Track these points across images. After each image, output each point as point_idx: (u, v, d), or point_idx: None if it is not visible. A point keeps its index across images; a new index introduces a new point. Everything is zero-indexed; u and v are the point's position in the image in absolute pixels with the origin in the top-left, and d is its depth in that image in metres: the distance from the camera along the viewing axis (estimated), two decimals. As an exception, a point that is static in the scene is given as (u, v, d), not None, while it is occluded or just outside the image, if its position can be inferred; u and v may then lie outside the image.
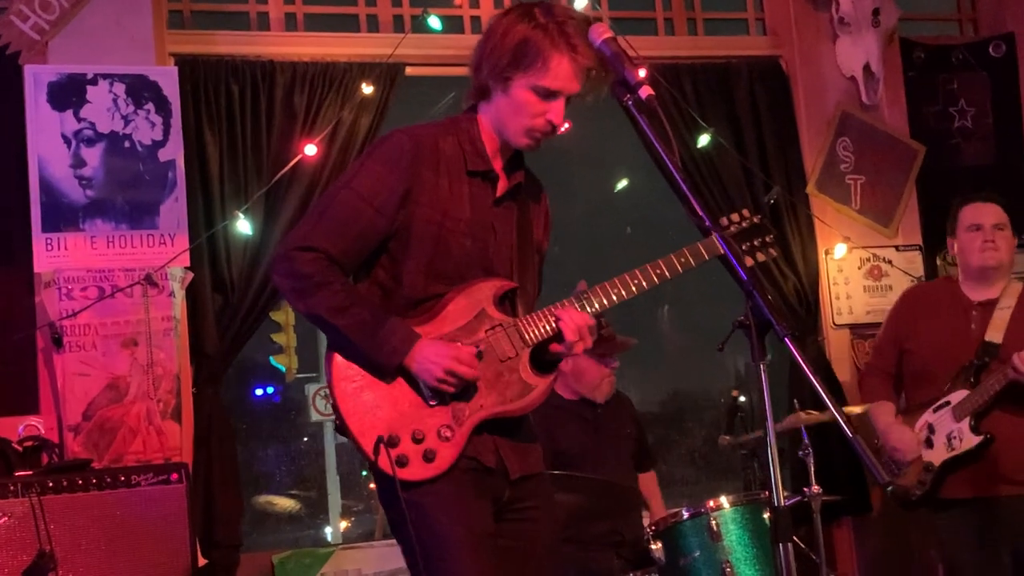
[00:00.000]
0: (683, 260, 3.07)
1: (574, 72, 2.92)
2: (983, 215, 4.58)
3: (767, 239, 3.27)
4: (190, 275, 5.25)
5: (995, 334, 4.45)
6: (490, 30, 3.00)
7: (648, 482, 5.38)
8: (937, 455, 4.46)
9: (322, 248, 2.89)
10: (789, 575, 2.41)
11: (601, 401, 5.05)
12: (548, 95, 2.93)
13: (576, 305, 3.00)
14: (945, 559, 4.67)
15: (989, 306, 4.54)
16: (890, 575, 6.01)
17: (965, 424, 4.39)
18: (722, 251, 2.95)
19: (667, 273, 3.06)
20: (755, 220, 3.28)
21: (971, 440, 4.37)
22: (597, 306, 3.01)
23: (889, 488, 4.67)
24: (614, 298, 3.02)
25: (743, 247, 3.24)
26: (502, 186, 3.07)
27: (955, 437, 4.40)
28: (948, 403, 4.48)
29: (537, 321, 3.00)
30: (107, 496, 4.48)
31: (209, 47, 5.58)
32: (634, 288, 3.04)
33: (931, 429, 4.50)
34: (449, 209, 2.96)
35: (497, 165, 3.06)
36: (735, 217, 3.28)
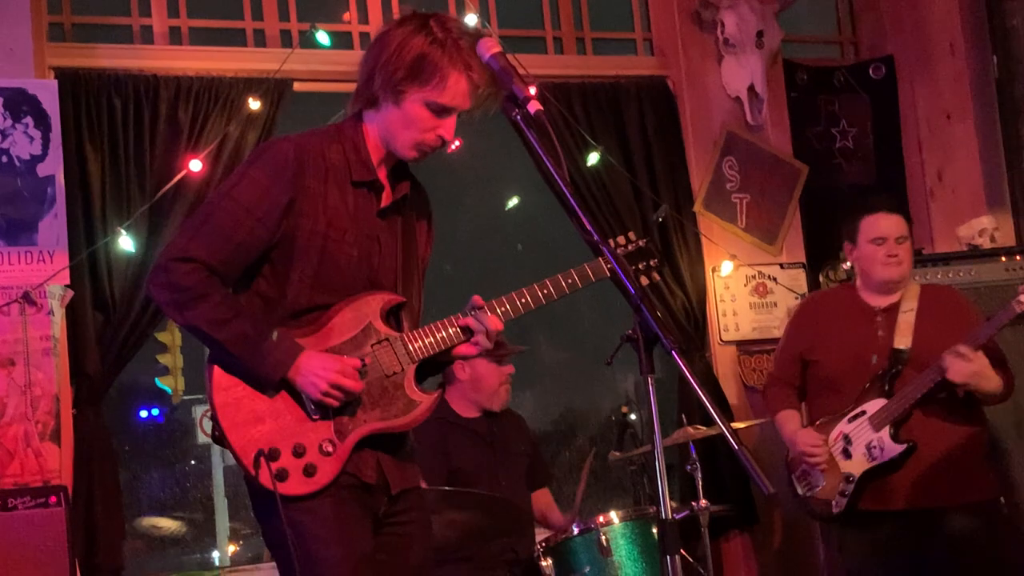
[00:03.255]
0: (570, 281, 3.08)
1: (469, 90, 2.92)
2: (888, 228, 4.52)
3: (652, 262, 3.28)
4: (70, 293, 5.12)
5: (903, 340, 4.41)
6: (385, 40, 2.95)
7: (544, 497, 5.38)
8: (857, 466, 4.39)
9: (201, 259, 2.83)
10: (677, 588, 2.42)
11: (498, 409, 5.04)
12: (442, 111, 2.92)
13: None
14: (852, 572, 4.57)
15: (892, 311, 4.50)
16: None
17: (885, 433, 4.34)
18: (608, 275, 2.97)
19: (554, 293, 3.08)
20: (640, 243, 3.28)
21: (893, 449, 4.32)
22: None
23: (807, 504, 4.59)
24: (500, 315, 3.03)
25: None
26: (386, 197, 3.04)
27: (875, 447, 4.35)
28: (864, 412, 4.41)
29: (423, 336, 2.99)
30: (-18, 521, 4.36)
31: (91, 60, 5.46)
32: (520, 307, 3.05)
33: (847, 440, 4.43)
34: (334, 219, 2.92)
35: (382, 174, 3.03)
36: (621, 240, 3.29)
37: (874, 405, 4.40)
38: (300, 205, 2.89)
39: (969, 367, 4.23)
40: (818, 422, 4.59)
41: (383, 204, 3.03)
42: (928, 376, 4.30)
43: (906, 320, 4.46)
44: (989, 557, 4.35)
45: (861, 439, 4.40)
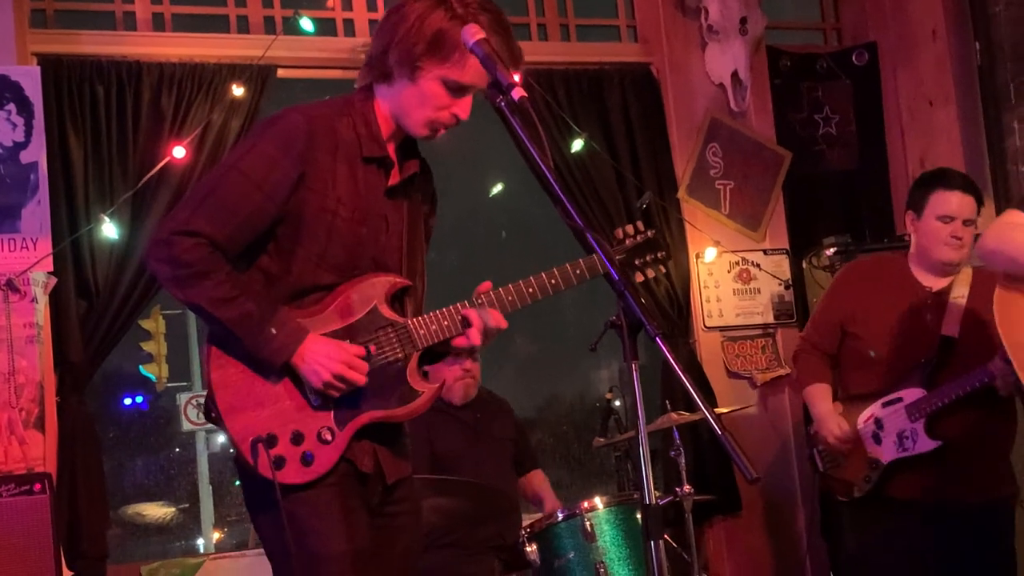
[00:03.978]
0: (579, 272, 3.01)
1: None
2: (960, 207, 4.27)
3: (660, 255, 3.21)
4: (53, 280, 5.11)
5: (951, 328, 4.23)
6: (403, 13, 2.84)
7: (536, 479, 5.40)
8: (886, 453, 4.27)
9: (205, 233, 2.74)
10: (661, 573, 2.43)
11: (457, 403, 5.06)
12: (459, 90, 2.85)
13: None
14: (852, 553, 4.52)
15: (943, 295, 4.30)
16: (760, 574, 6.10)
17: (920, 426, 4.20)
18: (618, 264, 2.93)
19: (562, 284, 3.01)
20: (649, 235, 3.21)
21: (925, 444, 4.19)
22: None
23: (827, 480, 4.49)
24: (507, 306, 2.97)
25: (636, 263, 3.18)
26: (395, 175, 2.96)
27: (907, 437, 4.22)
28: (900, 400, 4.26)
29: (428, 324, 2.92)
30: (-33, 508, 4.35)
31: (73, 47, 5.44)
32: (528, 296, 2.98)
33: (879, 424, 4.30)
34: (344, 196, 2.84)
35: (391, 151, 2.95)
36: (630, 230, 3.21)
37: (912, 394, 4.24)
38: (310, 180, 2.80)
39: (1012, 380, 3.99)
40: (851, 395, 4.46)
41: (391, 182, 2.95)
42: (975, 377, 4.10)
43: (956, 306, 4.26)
44: (1006, 553, 4.30)
45: (893, 427, 4.27)
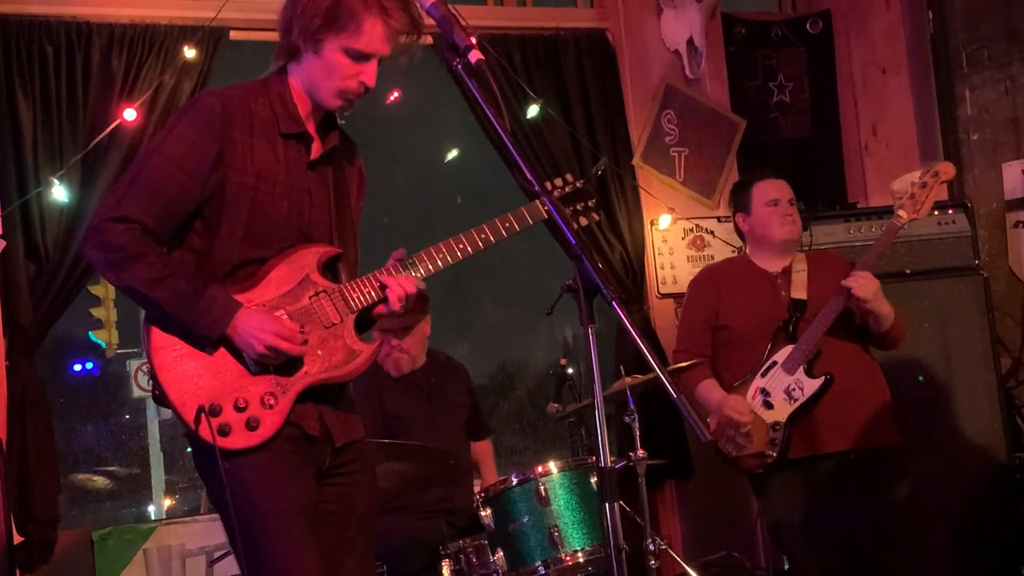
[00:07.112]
0: (507, 225, 3.11)
1: (386, 35, 2.93)
2: (779, 190, 4.69)
3: (589, 203, 3.32)
4: (2, 243, 5.04)
5: (799, 292, 4.56)
6: None
7: (482, 450, 5.42)
8: (781, 412, 4.43)
9: (135, 218, 2.83)
10: (615, 534, 2.45)
11: (394, 375, 5.07)
12: (360, 57, 2.93)
13: (403, 270, 3.01)
14: (775, 520, 4.61)
15: (787, 273, 4.64)
16: (711, 537, 6.16)
17: (800, 374, 4.41)
18: (545, 216, 3.04)
19: (492, 238, 3.09)
20: (578, 184, 3.32)
21: (812, 385, 4.40)
22: (423, 271, 3.03)
23: (738, 464, 4.57)
24: (439, 263, 3.04)
25: (567, 211, 3.27)
26: (316, 149, 3.05)
27: (794, 388, 4.41)
28: (775, 363, 4.47)
29: (362, 287, 3.00)
30: (-86, 474, 4.30)
31: (21, 7, 5.34)
32: (459, 253, 3.06)
33: (765, 392, 4.47)
34: (263, 171, 2.93)
35: (310, 127, 3.04)
36: (559, 182, 3.32)
37: (783, 353, 4.48)
38: (228, 158, 2.89)
39: (870, 285, 4.37)
40: (734, 385, 4.62)
41: (313, 156, 3.04)
42: (831, 307, 4.42)
43: (800, 278, 4.61)
44: (899, 498, 4.55)
45: (778, 387, 4.46)
